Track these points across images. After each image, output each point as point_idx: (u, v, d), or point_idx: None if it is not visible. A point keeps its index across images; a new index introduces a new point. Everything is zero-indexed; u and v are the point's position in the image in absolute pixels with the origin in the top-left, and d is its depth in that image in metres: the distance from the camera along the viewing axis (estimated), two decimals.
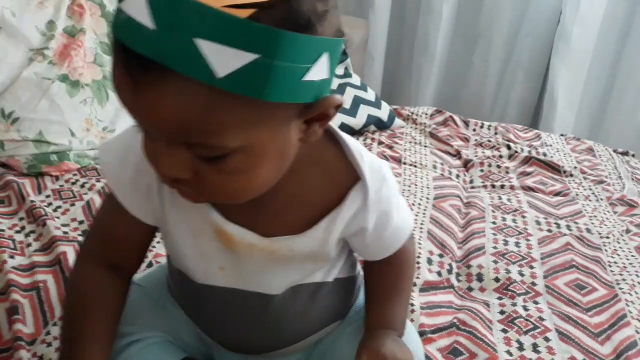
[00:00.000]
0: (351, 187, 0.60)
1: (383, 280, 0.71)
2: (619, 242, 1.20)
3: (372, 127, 1.62)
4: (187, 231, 0.61)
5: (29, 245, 1.00)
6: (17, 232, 1.03)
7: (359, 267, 0.77)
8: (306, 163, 0.57)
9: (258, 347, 0.70)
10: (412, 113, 1.76)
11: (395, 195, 0.65)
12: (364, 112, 1.59)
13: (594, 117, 2.27)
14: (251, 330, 0.68)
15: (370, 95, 1.65)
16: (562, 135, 1.80)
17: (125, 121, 1.35)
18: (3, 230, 1.02)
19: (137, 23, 0.41)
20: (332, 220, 0.60)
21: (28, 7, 1.32)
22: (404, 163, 1.46)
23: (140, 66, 0.42)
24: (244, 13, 0.41)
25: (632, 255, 1.16)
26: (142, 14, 0.41)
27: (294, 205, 0.59)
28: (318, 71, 0.45)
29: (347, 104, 1.56)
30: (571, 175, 1.49)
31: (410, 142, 1.59)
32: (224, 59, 0.41)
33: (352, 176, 0.60)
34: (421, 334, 0.87)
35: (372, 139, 1.58)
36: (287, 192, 0.57)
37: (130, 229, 0.63)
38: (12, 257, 0.95)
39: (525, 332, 0.92)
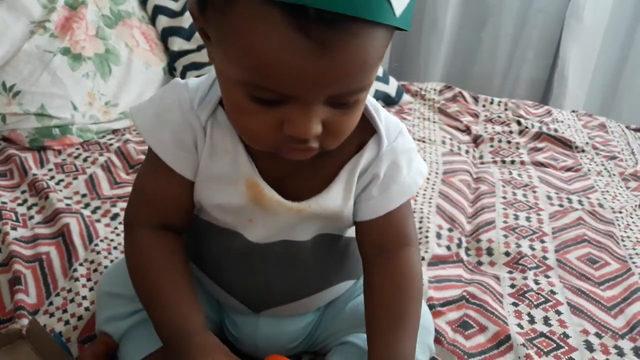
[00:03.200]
0: (368, 140, 0.62)
1: (385, 300, 0.63)
2: (631, 217, 1.18)
3: (380, 103, 1.59)
4: (222, 181, 0.61)
5: (31, 217, 0.99)
6: (20, 204, 1.02)
7: None
8: None
9: (279, 298, 0.70)
10: (421, 89, 1.73)
11: (410, 151, 0.65)
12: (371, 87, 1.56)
13: (605, 94, 2.23)
14: (274, 280, 0.68)
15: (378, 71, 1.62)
16: (573, 111, 1.76)
17: (129, 96, 1.34)
18: (5, 203, 1.01)
19: None
20: (350, 171, 0.62)
21: None
22: (413, 138, 1.43)
23: (328, 25, 0.42)
24: None
25: None
26: None
27: (319, 163, 0.60)
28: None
29: None
30: (583, 151, 1.47)
31: (418, 118, 1.56)
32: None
33: (369, 130, 0.63)
34: (430, 307, 0.86)
35: (388, 112, 1.55)
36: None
37: (176, 188, 0.63)
38: (14, 229, 0.94)
39: (537, 306, 0.90)
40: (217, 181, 0.62)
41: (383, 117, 0.63)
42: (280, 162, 0.56)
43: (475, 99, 1.72)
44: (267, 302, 0.70)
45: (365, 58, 0.46)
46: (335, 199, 0.62)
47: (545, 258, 1.02)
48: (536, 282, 0.95)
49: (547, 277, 0.97)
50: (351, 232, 0.70)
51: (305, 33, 0.42)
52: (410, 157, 0.65)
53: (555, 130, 1.54)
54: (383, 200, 0.64)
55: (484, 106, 1.70)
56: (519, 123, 1.57)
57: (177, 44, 1.48)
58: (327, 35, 0.43)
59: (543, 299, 0.91)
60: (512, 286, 0.94)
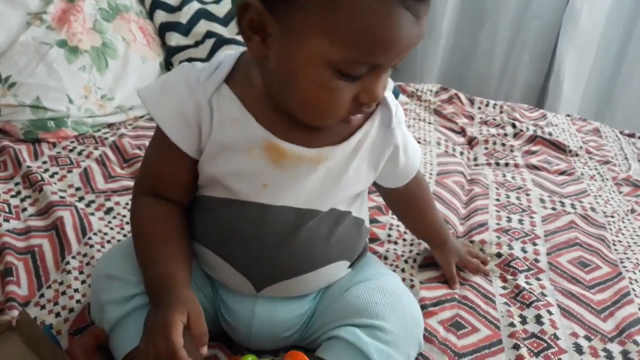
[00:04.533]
0: (376, 108, 0.70)
1: (418, 202, 0.89)
2: (623, 222, 1.18)
3: None
4: (235, 150, 0.66)
5: (24, 209, 0.99)
6: (13, 196, 1.02)
7: (368, 224, 0.80)
8: None
9: (283, 272, 0.71)
10: (417, 90, 1.73)
11: (403, 120, 0.76)
12: None
13: (601, 99, 2.24)
14: (281, 251, 0.70)
15: None
16: (568, 115, 1.77)
17: (125, 90, 1.34)
18: None
19: None
20: (365, 132, 0.69)
21: None
22: None
23: (421, 1, 0.55)
24: None
25: (637, 235, 1.14)
26: None
27: (332, 125, 0.66)
28: None
29: None
30: (576, 155, 1.47)
31: (414, 119, 1.57)
32: None
33: None
34: (422, 307, 0.86)
35: None
36: None
37: (177, 163, 0.68)
38: (7, 220, 0.94)
39: (528, 305, 0.90)
40: (229, 150, 0.65)
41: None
42: (292, 124, 0.64)
43: (471, 101, 1.73)
44: (271, 275, 0.71)
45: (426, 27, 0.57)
46: (348, 153, 0.69)
47: (537, 261, 1.02)
48: (527, 284, 0.95)
49: (539, 279, 0.97)
50: (357, 212, 0.75)
51: (408, 7, 0.54)
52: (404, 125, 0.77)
53: (550, 134, 1.55)
54: (407, 164, 0.78)
55: (479, 108, 1.70)
56: (513, 126, 1.58)
57: (174, 39, 1.48)
58: (419, 8, 0.55)
59: (534, 299, 0.92)
60: (504, 287, 0.95)
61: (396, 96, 1.63)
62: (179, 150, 0.66)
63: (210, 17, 1.52)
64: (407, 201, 0.88)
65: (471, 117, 1.64)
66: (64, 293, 0.81)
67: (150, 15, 1.51)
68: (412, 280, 0.93)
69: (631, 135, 1.67)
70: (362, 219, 0.77)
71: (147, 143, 1.17)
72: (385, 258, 0.99)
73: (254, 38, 0.59)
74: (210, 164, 0.67)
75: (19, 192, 1.03)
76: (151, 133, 0.72)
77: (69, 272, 0.85)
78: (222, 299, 0.75)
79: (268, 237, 0.69)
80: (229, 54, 0.67)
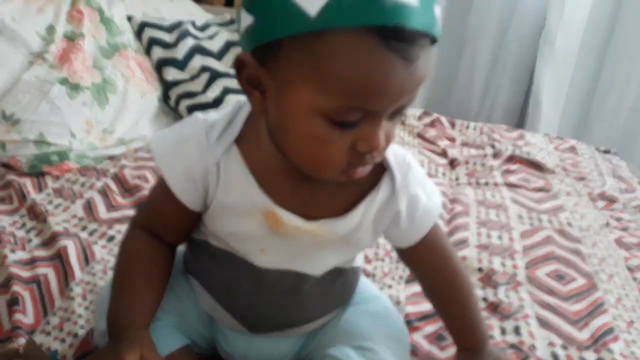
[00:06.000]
0: (382, 175, 0.68)
1: (450, 307, 0.79)
2: (598, 235, 1.25)
3: None
4: (236, 213, 0.67)
5: (29, 240, 1.04)
6: (18, 228, 1.07)
7: (362, 262, 0.83)
8: None
9: (278, 324, 0.75)
10: None
11: (422, 180, 0.72)
12: None
13: (579, 118, 2.32)
14: (278, 308, 0.73)
15: None
16: (545, 134, 1.85)
17: (125, 123, 1.40)
18: (4, 227, 1.06)
19: (405, 5, 0.49)
20: (368, 204, 0.68)
21: (28, 12, 1.37)
22: None
23: (410, 42, 0.51)
24: None
25: (612, 248, 1.21)
26: None
27: (337, 191, 0.66)
28: None
29: None
30: (553, 172, 1.55)
31: (398, 143, 1.63)
32: (438, 18, 0.53)
33: (381, 166, 0.68)
34: (407, 323, 0.92)
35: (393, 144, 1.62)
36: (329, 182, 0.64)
37: (177, 213, 0.69)
38: (13, 251, 0.99)
39: (507, 317, 0.96)
40: (232, 212, 0.67)
41: (391, 153, 0.68)
42: (294, 191, 0.64)
43: (452, 124, 1.81)
44: (267, 326, 0.76)
45: (429, 69, 0.54)
46: (349, 226, 0.67)
47: (515, 274, 1.08)
48: (506, 296, 1.02)
49: (517, 292, 1.04)
50: (352, 265, 0.77)
51: (395, 51, 0.50)
52: (423, 184, 0.72)
53: (528, 153, 1.63)
54: (412, 229, 0.73)
55: (460, 131, 1.78)
56: (493, 147, 1.66)
57: (171, 73, 1.55)
58: (409, 50, 0.51)
59: (513, 312, 0.98)
60: (484, 300, 1.01)
61: None
62: (183, 204, 0.68)
63: (205, 52, 1.59)
64: (418, 267, 0.79)
65: (453, 140, 1.71)
66: (68, 319, 0.86)
67: (148, 51, 1.58)
68: (398, 297, 0.99)
69: (607, 152, 1.75)
70: (358, 266, 0.80)
71: (147, 173, 1.26)
72: (374, 276, 1.05)
73: (254, 93, 0.58)
74: (213, 222, 0.69)
75: (24, 224, 1.09)
76: (151, 163, 0.76)
77: (73, 298, 0.89)
78: (220, 329, 0.79)
79: (265, 295, 0.72)
80: (243, 106, 0.67)
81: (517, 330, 0.93)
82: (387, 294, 0.98)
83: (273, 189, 0.65)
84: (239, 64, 0.57)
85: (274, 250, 0.69)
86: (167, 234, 0.72)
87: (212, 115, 0.67)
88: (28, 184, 1.20)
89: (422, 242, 0.74)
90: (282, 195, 0.65)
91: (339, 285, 0.76)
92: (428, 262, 0.77)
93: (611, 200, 1.41)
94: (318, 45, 0.51)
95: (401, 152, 0.70)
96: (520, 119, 2.38)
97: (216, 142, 0.64)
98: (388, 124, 0.57)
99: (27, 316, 0.86)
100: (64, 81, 1.32)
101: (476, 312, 0.79)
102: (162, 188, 0.68)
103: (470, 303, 0.78)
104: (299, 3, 0.49)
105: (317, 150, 0.57)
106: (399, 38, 0.50)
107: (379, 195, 0.68)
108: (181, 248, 0.79)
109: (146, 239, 0.71)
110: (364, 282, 0.88)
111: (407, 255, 0.77)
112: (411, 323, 0.93)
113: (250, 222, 0.66)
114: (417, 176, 0.71)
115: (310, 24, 0.49)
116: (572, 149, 1.72)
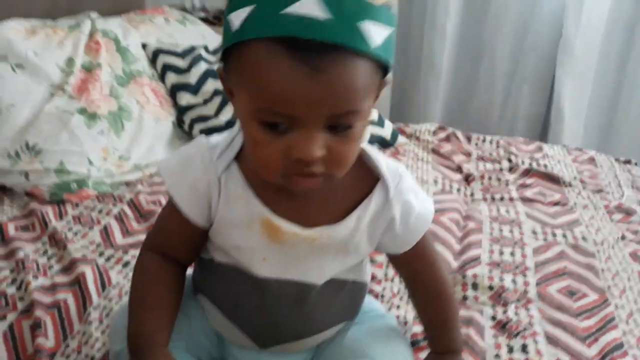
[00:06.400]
0: (374, 184, 0.72)
1: (431, 308, 0.83)
2: (613, 249, 1.24)
3: (377, 145, 1.68)
4: (237, 225, 0.71)
5: (50, 267, 1.09)
6: (41, 255, 1.12)
7: (368, 278, 0.85)
8: None
9: (286, 336, 0.78)
10: (416, 130, 1.82)
11: (413, 188, 0.76)
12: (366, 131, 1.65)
13: (602, 127, 2.28)
14: (284, 319, 0.76)
15: (373, 114, 1.71)
16: (564, 146, 1.83)
17: (140, 149, 1.44)
18: (28, 255, 1.11)
19: (310, 18, 0.54)
20: (362, 210, 0.71)
21: (49, 47, 1.44)
22: None
23: (317, 52, 0.54)
24: (380, 2, 0.56)
25: (626, 262, 1.19)
26: (314, 10, 0.54)
27: (331, 199, 0.70)
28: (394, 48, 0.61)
29: None
30: (570, 185, 1.53)
31: (412, 159, 1.65)
32: (376, 33, 0.56)
33: (374, 176, 0.72)
34: (414, 343, 0.93)
35: (385, 157, 1.64)
36: (325, 190, 0.67)
37: (184, 229, 0.73)
38: (35, 278, 1.04)
39: (515, 335, 0.96)
40: (232, 224, 0.71)
41: (384, 164, 0.73)
42: (289, 201, 0.68)
43: (468, 138, 1.81)
44: (275, 338, 0.78)
45: (350, 81, 0.56)
46: (345, 232, 0.71)
47: (526, 292, 1.08)
48: (516, 314, 1.01)
49: (527, 309, 1.03)
50: (355, 277, 0.79)
51: (301, 60, 0.54)
52: (415, 192, 0.76)
53: (545, 166, 1.61)
54: (406, 235, 0.76)
55: (476, 145, 1.78)
56: (509, 160, 1.65)
57: (185, 98, 1.60)
58: (317, 60, 0.54)
59: (522, 329, 0.97)
60: (493, 318, 1.01)
61: (395, 139, 1.72)
62: (190, 220, 0.72)
63: (217, 76, 1.63)
64: (406, 270, 0.84)
65: (468, 154, 1.71)
66: (86, 342, 0.90)
67: (162, 77, 1.63)
68: (405, 317, 1.00)
69: (627, 162, 1.72)
70: (364, 282, 0.82)
71: (162, 198, 1.30)
72: (382, 296, 1.06)
73: (232, 101, 0.65)
74: (217, 236, 0.73)
75: (45, 251, 1.14)
76: (164, 188, 0.80)
77: (90, 323, 0.94)
78: (228, 349, 0.82)
79: (271, 306, 0.75)
80: None
81: (524, 348, 0.93)
82: (395, 314, 0.99)
83: (270, 200, 0.69)
84: (220, 77, 0.65)
85: (275, 259, 0.72)
86: (176, 252, 0.76)
87: (215, 137, 0.73)
88: (49, 211, 1.26)
89: (414, 247, 0.78)
90: (279, 205, 0.69)
91: (343, 297, 0.79)
92: (415, 266, 0.81)
93: (628, 213, 1.39)
94: (242, 55, 0.58)
95: (393, 164, 0.74)
96: (543, 129, 2.36)
97: (218, 160, 0.70)
98: (331, 137, 0.59)
99: (48, 339, 0.90)
100: (82, 111, 1.37)
101: (454, 318, 0.83)
102: (169, 207, 0.74)
103: (449, 307, 0.83)
104: (230, 18, 0.58)
105: (256, 152, 0.61)
106: (303, 48, 0.54)
107: (372, 202, 0.72)
108: (189, 271, 0.82)
109: (157, 260, 0.76)
110: (371, 302, 0.91)
111: (398, 259, 0.80)
112: (417, 343, 0.94)
113: (251, 233, 0.70)
114: (409, 184, 0.75)
115: (236, 35, 0.57)
116: (591, 160, 1.70)
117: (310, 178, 0.62)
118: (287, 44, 0.54)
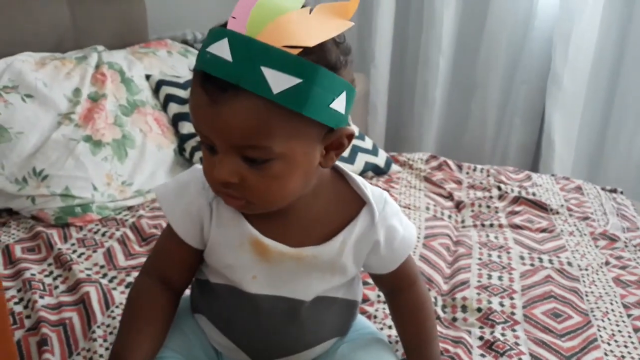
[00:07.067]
0: (360, 209, 0.77)
1: (410, 327, 0.88)
2: (597, 274, 1.28)
3: (370, 173, 1.74)
4: (228, 245, 0.76)
5: (56, 287, 1.13)
6: (46, 276, 1.17)
7: (360, 297, 0.89)
8: (324, 190, 0.75)
9: (280, 350, 0.82)
10: (409, 159, 1.88)
11: (397, 213, 0.81)
12: (361, 159, 1.72)
13: (592, 157, 2.34)
14: (277, 334, 0.80)
15: (367, 143, 1.78)
16: (552, 175, 1.89)
17: (143, 175, 1.50)
18: (34, 275, 1.15)
19: (219, 58, 0.61)
20: (348, 233, 0.76)
21: (57, 77, 1.50)
22: (399, 205, 1.56)
23: (218, 87, 0.61)
24: (295, 51, 0.60)
25: (609, 286, 1.24)
26: (223, 51, 0.60)
27: (317, 223, 0.76)
28: (339, 104, 0.64)
29: (345, 153, 1.68)
30: (557, 212, 1.58)
31: (405, 186, 1.71)
32: (279, 81, 0.59)
33: (359, 201, 0.78)
34: None
35: (370, 184, 1.69)
36: (312, 212, 0.75)
37: (179, 250, 0.79)
38: (42, 297, 1.08)
39: (502, 355, 1.00)
40: (224, 246, 0.76)
41: (370, 190, 0.78)
42: (277, 223, 0.74)
43: (459, 167, 1.87)
44: (269, 353, 0.83)
45: (244, 118, 0.61)
46: (331, 252, 0.76)
47: (513, 313, 1.12)
48: (502, 335, 1.06)
49: (514, 330, 1.08)
50: (345, 294, 0.84)
51: (206, 92, 0.62)
52: (399, 217, 0.81)
53: (533, 194, 1.67)
54: (391, 257, 0.82)
55: (467, 173, 1.84)
56: (499, 188, 1.70)
57: (186, 127, 1.65)
58: (217, 94, 0.61)
59: (508, 348, 1.02)
60: (481, 338, 1.05)
61: (389, 167, 1.77)
62: (185, 243, 0.78)
63: None
64: (389, 289, 0.89)
65: (459, 182, 1.77)
66: (90, 359, 0.94)
67: (164, 107, 1.69)
68: (397, 337, 1.04)
69: (613, 191, 1.78)
70: (354, 300, 0.87)
71: (162, 222, 1.35)
72: (375, 317, 1.10)
73: None
74: (211, 256, 0.79)
75: (51, 272, 1.18)
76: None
77: (94, 340, 0.97)
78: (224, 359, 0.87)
79: (264, 322, 0.79)
80: None
81: None
82: (387, 333, 1.03)
83: (259, 222, 0.74)
84: None
85: (263, 276, 0.76)
86: (172, 273, 0.81)
87: None
88: (55, 234, 1.30)
89: (397, 268, 0.83)
90: (266, 227, 0.74)
91: (334, 313, 0.83)
92: (398, 284, 0.86)
93: (612, 240, 1.44)
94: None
95: (378, 190, 0.80)
96: (534, 159, 2.42)
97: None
98: (247, 167, 0.65)
99: (54, 356, 0.94)
100: (87, 139, 1.43)
101: (433, 335, 0.88)
102: (167, 230, 0.79)
103: (428, 324, 0.87)
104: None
105: (203, 168, 0.70)
106: (211, 82, 0.61)
107: (358, 225, 0.77)
108: (188, 291, 0.87)
109: (152, 286, 0.80)
110: (362, 320, 0.96)
111: (381, 277, 0.86)
112: None
113: (242, 252, 0.75)
114: (393, 210, 0.80)
115: (195, 67, 0.65)
116: (578, 189, 1.76)
117: (232, 199, 0.69)
118: (202, 77, 0.62)
